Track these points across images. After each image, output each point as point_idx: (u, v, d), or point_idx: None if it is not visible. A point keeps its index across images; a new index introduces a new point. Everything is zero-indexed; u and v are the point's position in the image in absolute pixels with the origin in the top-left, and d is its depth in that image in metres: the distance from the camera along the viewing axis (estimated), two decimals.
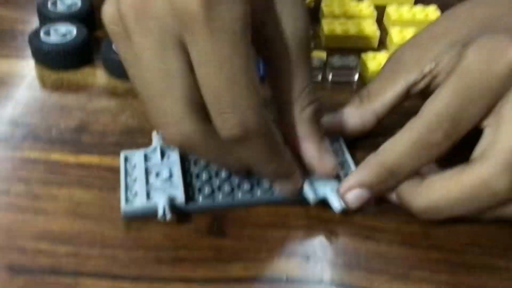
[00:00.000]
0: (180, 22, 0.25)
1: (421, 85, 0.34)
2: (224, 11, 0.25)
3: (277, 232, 0.31)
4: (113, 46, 0.42)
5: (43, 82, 0.42)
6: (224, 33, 0.25)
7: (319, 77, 0.44)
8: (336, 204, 0.31)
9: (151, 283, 0.28)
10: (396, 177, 0.31)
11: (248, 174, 0.32)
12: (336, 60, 0.44)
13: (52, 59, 0.42)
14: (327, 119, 0.35)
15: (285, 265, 0.30)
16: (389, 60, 0.36)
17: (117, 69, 0.42)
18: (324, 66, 0.45)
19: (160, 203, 0.30)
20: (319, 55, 0.45)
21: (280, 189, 0.32)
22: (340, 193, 0.32)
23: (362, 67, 0.44)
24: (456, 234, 0.32)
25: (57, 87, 0.41)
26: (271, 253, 0.30)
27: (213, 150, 0.29)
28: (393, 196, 0.32)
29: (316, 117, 0.31)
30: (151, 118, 0.28)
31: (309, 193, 0.32)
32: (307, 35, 0.30)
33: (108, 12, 0.28)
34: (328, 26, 0.47)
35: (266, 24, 0.29)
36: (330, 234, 0.31)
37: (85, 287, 0.28)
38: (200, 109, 0.27)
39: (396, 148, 0.31)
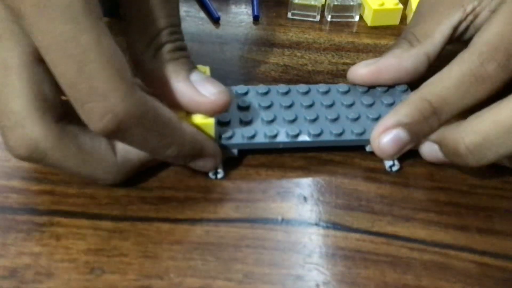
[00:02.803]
0: (8, 7, 0.21)
1: (464, 25, 0.31)
2: None
3: (272, 173, 0.29)
4: None
5: None
6: (56, 8, 0.20)
7: (318, 17, 0.41)
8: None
9: (134, 223, 0.26)
10: (439, 115, 0.27)
11: None
12: None
13: None
14: (371, 62, 0.31)
15: (280, 207, 0.27)
16: (423, 1, 0.33)
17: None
18: (323, 6, 0.42)
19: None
20: None
21: (199, 167, 0.27)
22: (374, 136, 0.28)
23: (364, 7, 0.41)
24: (463, 175, 0.30)
25: None
26: (265, 194, 0.28)
27: (75, 158, 0.24)
28: (425, 148, 0.29)
29: (175, 55, 0.26)
30: None
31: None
32: None
33: None
34: None
35: None
36: (329, 175, 0.29)
37: (60, 226, 0.25)
38: (51, 107, 0.23)
39: (442, 82, 0.27)
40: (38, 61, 0.23)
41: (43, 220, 0.25)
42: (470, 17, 0.31)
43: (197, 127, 0.27)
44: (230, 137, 0.29)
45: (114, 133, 0.23)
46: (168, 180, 0.28)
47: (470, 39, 0.31)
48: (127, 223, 0.26)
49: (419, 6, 0.33)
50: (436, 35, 0.31)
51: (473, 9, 0.30)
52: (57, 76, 0.22)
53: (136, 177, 0.28)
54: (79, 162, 0.24)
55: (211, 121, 0.27)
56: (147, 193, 0.27)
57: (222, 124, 0.29)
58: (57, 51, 0.21)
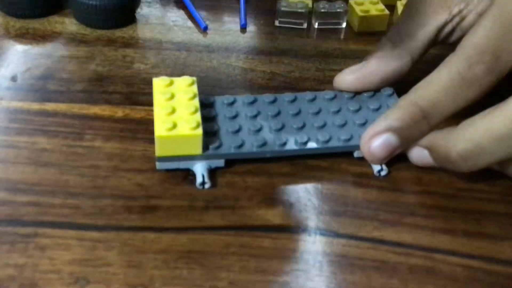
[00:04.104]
0: None
1: (449, 27, 0.31)
2: None
3: (258, 180, 0.29)
4: None
5: (7, 31, 0.39)
6: None
7: (305, 25, 0.41)
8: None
9: (119, 232, 0.26)
10: (429, 120, 0.27)
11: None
12: (323, 6, 0.41)
13: (17, 7, 0.39)
14: (357, 67, 0.32)
15: (266, 213, 0.27)
16: (410, 2, 0.33)
17: (87, 16, 0.39)
18: (310, 13, 0.42)
19: (199, 170, 0.28)
20: (305, 2, 0.42)
21: None
22: (364, 140, 0.28)
23: (351, 14, 0.42)
24: (450, 179, 0.29)
25: (22, 35, 0.38)
26: (251, 201, 0.28)
27: None
28: (415, 153, 0.29)
29: None
30: None
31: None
32: None
33: None
34: None
35: None
36: (316, 181, 0.29)
37: (45, 237, 0.25)
38: None
39: (431, 85, 0.27)
40: None
41: (28, 231, 0.25)
42: (457, 19, 0.31)
43: (184, 138, 0.27)
44: (218, 147, 0.28)
45: None
46: (153, 188, 0.28)
47: (456, 41, 0.31)
48: (112, 233, 0.26)
49: (405, 7, 0.33)
50: (419, 35, 0.31)
51: (460, 11, 0.31)
52: None
53: (119, 187, 0.28)
54: None
55: (198, 132, 0.27)
56: (133, 202, 0.27)
57: (209, 134, 0.29)
58: None
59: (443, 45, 0.32)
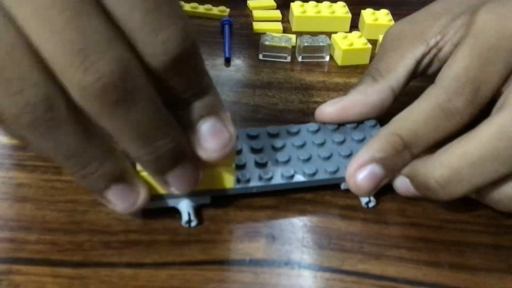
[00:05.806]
0: None
1: (427, 59, 0.31)
2: None
3: (240, 213, 0.28)
4: None
5: None
6: None
7: (288, 58, 0.42)
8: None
9: (96, 269, 0.25)
10: (411, 149, 0.28)
11: None
12: (306, 40, 0.41)
13: None
14: (337, 101, 0.32)
15: (248, 247, 0.27)
16: (387, 37, 0.33)
17: None
18: (293, 47, 0.42)
19: (184, 208, 0.27)
20: (288, 36, 0.43)
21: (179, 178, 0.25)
22: (349, 173, 0.28)
23: (334, 47, 0.42)
24: (434, 210, 0.29)
25: None
26: (232, 234, 0.27)
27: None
28: (398, 183, 0.29)
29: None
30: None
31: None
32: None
33: None
34: (298, 8, 0.45)
35: None
36: (299, 214, 0.29)
37: (19, 274, 0.24)
38: None
39: (412, 116, 0.28)
40: None
41: (2, 269, 0.24)
42: (434, 51, 0.31)
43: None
44: None
45: (182, 58, 0.21)
46: (133, 223, 0.27)
47: (435, 73, 0.31)
48: (89, 270, 0.25)
49: (382, 42, 0.33)
50: (399, 69, 0.31)
51: (436, 43, 0.31)
52: (127, 5, 0.20)
53: (97, 222, 0.27)
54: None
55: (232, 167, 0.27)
56: (111, 237, 0.26)
57: None
58: None
59: (422, 77, 0.33)
